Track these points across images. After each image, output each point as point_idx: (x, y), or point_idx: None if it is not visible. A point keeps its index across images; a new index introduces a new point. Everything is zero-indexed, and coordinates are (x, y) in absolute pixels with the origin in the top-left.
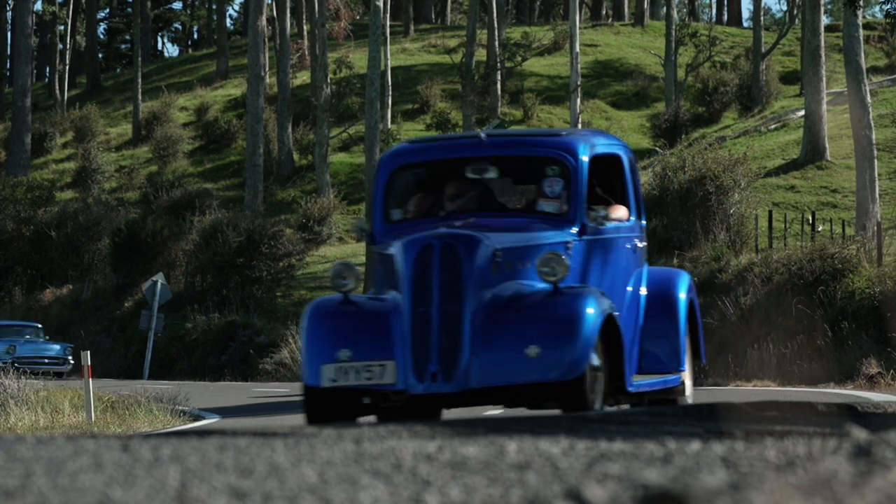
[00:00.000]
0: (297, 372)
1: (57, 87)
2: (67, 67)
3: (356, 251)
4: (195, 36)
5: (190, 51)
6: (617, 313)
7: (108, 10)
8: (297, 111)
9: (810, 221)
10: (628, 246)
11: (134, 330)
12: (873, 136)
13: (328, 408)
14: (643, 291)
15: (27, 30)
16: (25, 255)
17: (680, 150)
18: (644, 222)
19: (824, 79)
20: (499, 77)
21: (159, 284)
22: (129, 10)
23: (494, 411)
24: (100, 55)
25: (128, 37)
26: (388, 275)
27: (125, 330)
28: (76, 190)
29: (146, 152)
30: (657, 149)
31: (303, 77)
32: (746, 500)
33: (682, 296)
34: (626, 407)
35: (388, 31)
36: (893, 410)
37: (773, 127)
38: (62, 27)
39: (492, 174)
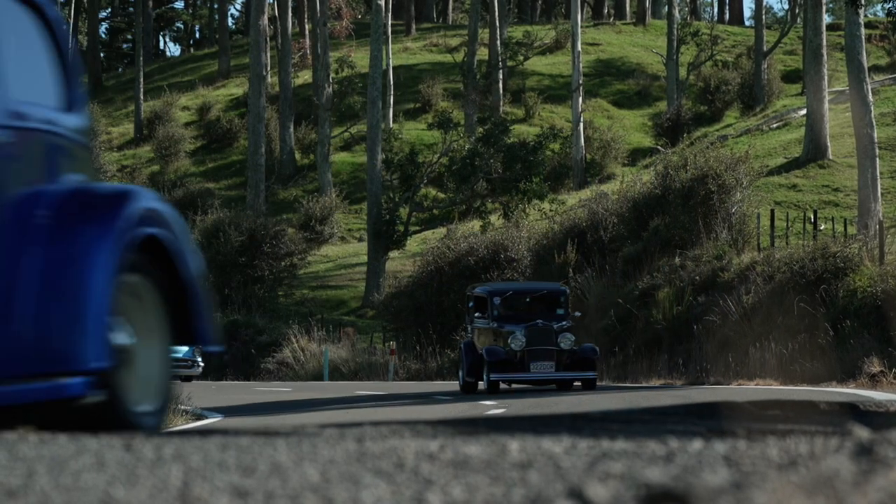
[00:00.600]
0: (299, 371)
1: None
2: None
3: (358, 251)
4: (197, 35)
5: (192, 50)
6: None
7: (109, 9)
8: (298, 110)
9: (812, 220)
10: None
11: None
12: (875, 135)
13: None
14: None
15: None
16: None
17: (682, 148)
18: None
19: (826, 77)
20: (500, 76)
21: None
22: (131, 9)
23: (496, 411)
24: (101, 54)
25: (129, 36)
26: None
27: None
28: None
29: (148, 152)
30: (659, 147)
31: (304, 76)
32: (749, 498)
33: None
34: None
35: (389, 30)
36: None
37: (774, 126)
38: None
39: None
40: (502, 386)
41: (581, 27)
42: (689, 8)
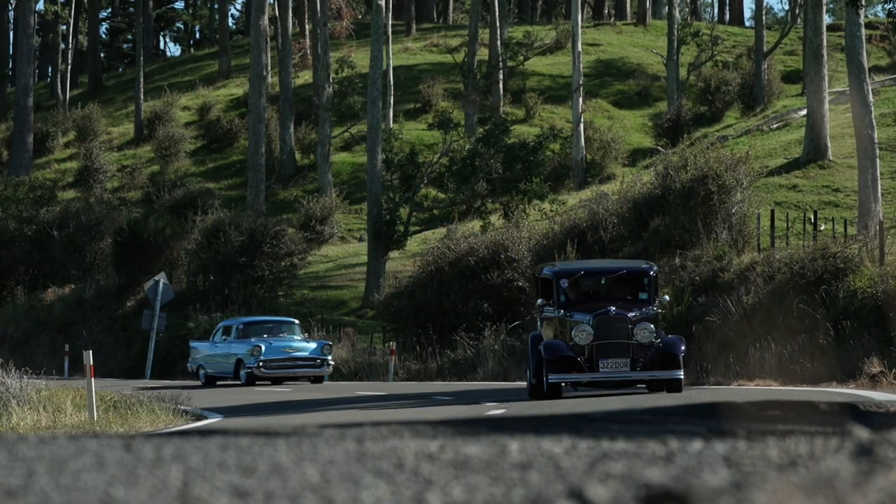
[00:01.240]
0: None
1: (59, 86)
2: (69, 67)
3: (358, 251)
4: (197, 35)
5: (192, 50)
6: None
7: (110, 9)
8: (299, 111)
9: (812, 220)
10: None
11: (136, 329)
12: (875, 136)
13: None
14: None
15: (29, 29)
16: (28, 255)
17: (682, 149)
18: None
19: (826, 78)
20: (501, 76)
21: (161, 284)
22: (132, 9)
23: (497, 411)
24: (102, 55)
25: (130, 36)
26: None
27: (127, 329)
28: (78, 189)
29: (148, 152)
30: (659, 148)
31: (305, 76)
32: (748, 499)
33: None
34: None
35: (389, 30)
36: (895, 410)
37: (774, 126)
38: (64, 27)
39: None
40: (567, 389)
41: (581, 27)
42: (689, 8)
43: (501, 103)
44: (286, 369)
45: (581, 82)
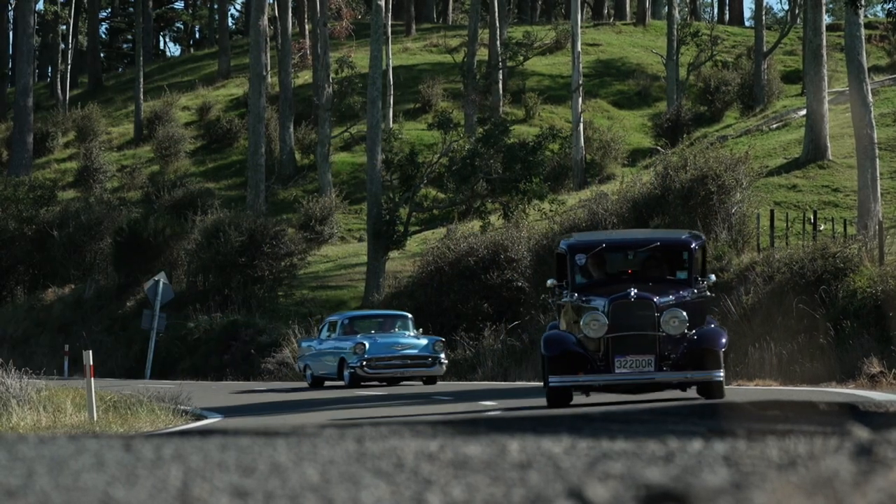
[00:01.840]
0: (299, 371)
1: (59, 86)
2: (69, 67)
3: (357, 251)
4: (197, 35)
5: (192, 50)
6: None
7: (109, 9)
8: (298, 111)
9: (812, 221)
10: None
11: (136, 329)
12: (875, 135)
13: None
14: None
15: (29, 29)
16: (27, 255)
17: (681, 149)
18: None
19: (826, 78)
20: (500, 76)
21: (161, 284)
22: (131, 9)
23: (496, 411)
24: (101, 55)
25: (129, 36)
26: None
27: (127, 329)
28: (78, 189)
29: (148, 152)
30: (659, 148)
31: (304, 76)
32: (748, 499)
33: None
34: None
35: (389, 30)
36: (895, 410)
37: (774, 126)
38: (64, 27)
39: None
40: (578, 395)
41: (581, 27)
42: (688, 8)
43: (501, 103)
44: (393, 368)
45: (581, 82)
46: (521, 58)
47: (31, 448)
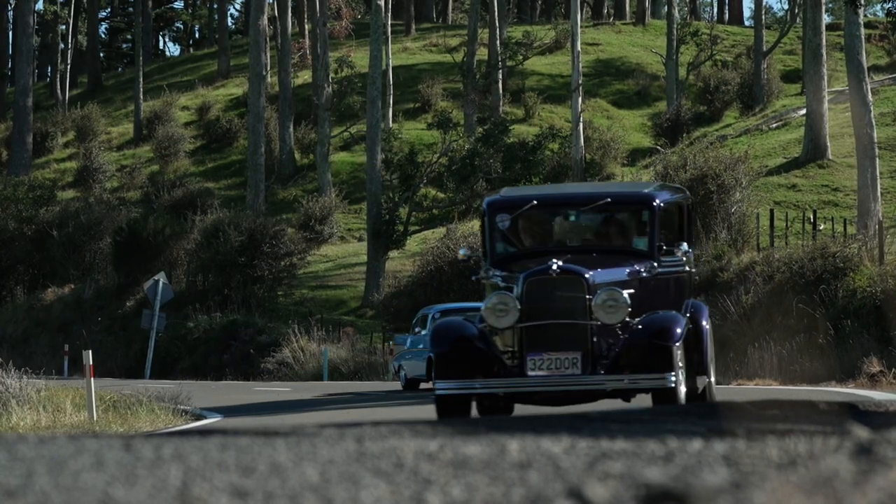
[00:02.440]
0: (299, 371)
1: (58, 86)
2: (69, 67)
3: (357, 251)
4: (196, 35)
5: (191, 50)
6: None
7: (109, 9)
8: (298, 110)
9: (811, 220)
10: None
11: (136, 329)
12: (875, 135)
13: None
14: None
15: (29, 29)
16: (27, 255)
17: (681, 148)
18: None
19: (825, 77)
20: (500, 76)
21: (161, 284)
22: (131, 9)
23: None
24: (101, 54)
25: (129, 36)
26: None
27: (127, 329)
28: (78, 189)
29: (147, 152)
30: (658, 147)
31: (304, 76)
32: (748, 498)
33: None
34: None
35: (389, 30)
36: (895, 409)
37: (774, 126)
38: (63, 27)
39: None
40: (477, 409)
41: (580, 27)
42: (688, 8)
43: (501, 103)
44: None
45: (580, 82)
46: (521, 57)
47: (30, 448)
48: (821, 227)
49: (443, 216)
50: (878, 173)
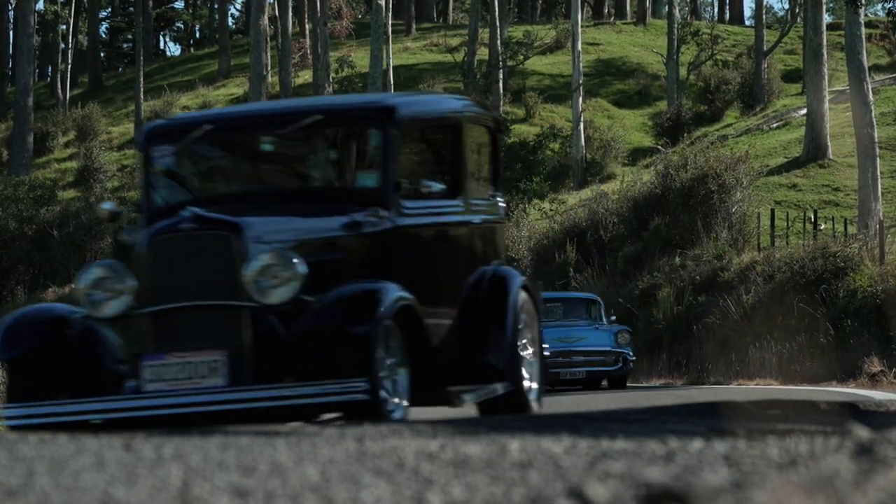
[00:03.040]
0: None
1: (59, 86)
2: (69, 67)
3: None
4: (197, 35)
5: (192, 50)
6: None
7: (109, 9)
8: None
9: (812, 220)
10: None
11: None
12: (875, 135)
13: None
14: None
15: (29, 29)
16: (27, 255)
17: (682, 148)
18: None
19: (826, 77)
20: (501, 76)
21: None
22: (131, 9)
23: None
24: (102, 54)
25: (130, 36)
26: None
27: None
28: (78, 189)
29: None
30: (659, 147)
31: (305, 76)
32: (749, 498)
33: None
34: None
35: (389, 29)
36: (895, 409)
37: (774, 125)
38: (64, 26)
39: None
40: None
41: (581, 27)
42: (689, 7)
43: (501, 103)
44: (561, 368)
45: (581, 82)
46: (522, 57)
47: (31, 448)
48: (821, 227)
49: None
50: (878, 173)
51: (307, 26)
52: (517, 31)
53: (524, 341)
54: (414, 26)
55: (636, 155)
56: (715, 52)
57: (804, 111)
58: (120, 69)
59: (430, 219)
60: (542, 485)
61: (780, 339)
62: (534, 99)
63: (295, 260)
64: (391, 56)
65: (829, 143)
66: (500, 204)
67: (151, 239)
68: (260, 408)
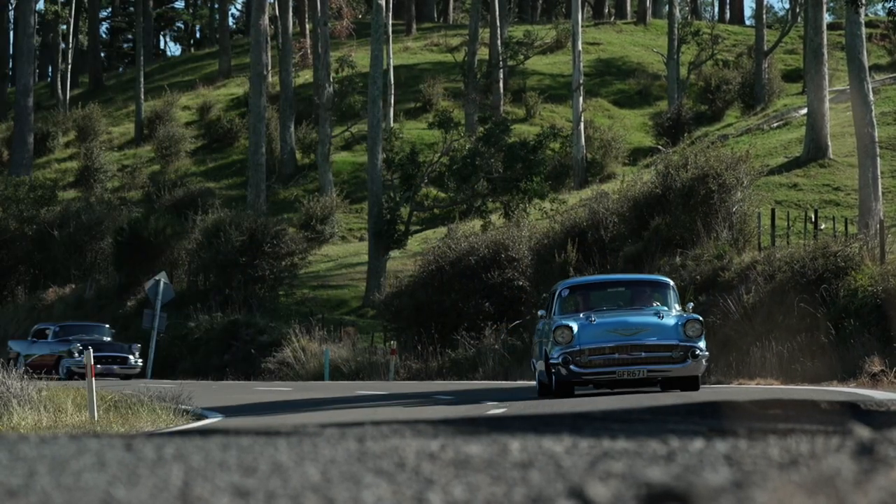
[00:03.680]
0: (300, 371)
1: (59, 86)
2: (70, 67)
3: (358, 250)
4: (197, 35)
5: (192, 50)
6: None
7: (110, 9)
8: (299, 110)
9: (813, 219)
10: None
11: (137, 329)
12: (876, 134)
13: None
14: None
15: (29, 29)
16: (28, 255)
17: (682, 148)
18: None
19: (827, 77)
20: (501, 76)
21: (162, 284)
22: (132, 9)
23: (497, 410)
24: (102, 54)
25: (130, 36)
26: None
27: (128, 329)
28: (79, 189)
29: (148, 151)
30: (660, 147)
31: (305, 76)
32: (749, 498)
33: None
34: None
35: (390, 29)
36: None
37: (775, 125)
38: (64, 26)
39: None
40: None
41: (581, 27)
42: (689, 7)
43: (502, 102)
44: (616, 366)
45: (581, 81)
46: (522, 57)
47: (32, 448)
48: (822, 227)
49: (444, 216)
50: (879, 172)
51: (308, 26)
52: (517, 31)
53: None
54: (414, 26)
55: (636, 155)
56: (715, 51)
57: (804, 111)
58: (120, 69)
59: None
60: (543, 485)
61: (781, 339)
62: (534, 99)
63: None
64: (392, 56)
65: (829, 143)
66: None
67: None
68: None
